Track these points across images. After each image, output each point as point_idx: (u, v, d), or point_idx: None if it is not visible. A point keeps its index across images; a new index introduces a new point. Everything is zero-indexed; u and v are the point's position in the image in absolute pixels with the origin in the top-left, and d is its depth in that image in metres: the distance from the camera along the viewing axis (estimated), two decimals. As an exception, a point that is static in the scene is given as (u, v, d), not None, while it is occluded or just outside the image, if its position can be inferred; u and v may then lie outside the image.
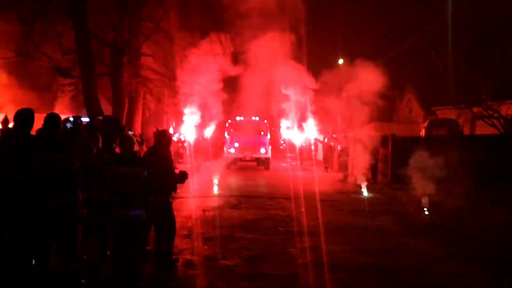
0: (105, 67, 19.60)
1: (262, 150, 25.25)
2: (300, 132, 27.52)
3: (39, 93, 24.84)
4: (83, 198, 5.94)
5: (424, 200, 11.84)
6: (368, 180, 16.38)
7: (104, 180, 6.31)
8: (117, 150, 6.69)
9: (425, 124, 25.03)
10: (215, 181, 16.39)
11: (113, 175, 6.25)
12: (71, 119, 7.76)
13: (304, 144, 28.00)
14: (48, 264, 5.66)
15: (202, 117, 27.09)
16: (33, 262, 5.62)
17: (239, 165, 25.47)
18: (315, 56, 25.56)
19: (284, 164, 28.03)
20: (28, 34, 18.16)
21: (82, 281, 6.00)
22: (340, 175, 19.87)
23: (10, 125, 21.63)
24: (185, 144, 24.54)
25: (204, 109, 26.64)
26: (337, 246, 8.57)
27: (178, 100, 24.55)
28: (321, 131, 26.10)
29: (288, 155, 28.62)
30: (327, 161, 24.69)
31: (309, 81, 22.79)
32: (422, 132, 24.26)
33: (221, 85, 25.54)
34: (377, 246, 8.57)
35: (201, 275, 6.78)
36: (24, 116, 5.53)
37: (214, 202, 13.27)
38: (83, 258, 6.44)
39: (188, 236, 9.03)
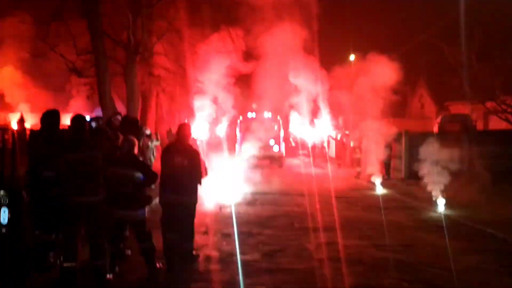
0: (119, 67, 19.82)
1: (275, 148, 24.52)
2: (312, 129, 27.48)
3: (53, 93, 25.19)
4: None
5: (439, 196, 11.88)
6: (381, 176, 16.42)
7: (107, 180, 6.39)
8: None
9: (438, 120, 24.93)
10: (229, 178, 16.47)
11: (111, 175, 6.32)
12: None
13: (316, 141, 27.98)
14: (75, 259, 5.85)
15: (215, 114, 27.23)
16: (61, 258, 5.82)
17: (251, 164, 25.06)
18: (327, 51, 25.48)
19: (297, 161, 28.06)
20: (44, 35, 18.44)
21: (107, 276, 6.19)
22: (353, 172, 19.93)
23: (26, 124, 22.00)
24: (198, 142, 24.67)
25: (216, 106, 26.79)
26: (353, 241, 8.70)
27: (190, 98, 24.78)
28: (335, 127, 26.00)
29: (301, 152, 28.53)
30: (339, 158, 24.65)
31: (322, 75, 22.75)
32: (435, 128, 24.19)
33: (233, 81, 25.66)
34: (393, 241, 8.67)
35: (221, 270, 6.95)
36: (51, 117, 5.73)
37: (230, 199, 13.43)
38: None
39: (206, 232, 9.21)
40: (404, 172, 17.49)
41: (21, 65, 23.29)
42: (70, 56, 18.80)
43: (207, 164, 7.42)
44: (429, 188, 12.31)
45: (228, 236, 8.96)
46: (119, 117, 9.29)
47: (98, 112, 17.22)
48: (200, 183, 7.07)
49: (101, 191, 6.00)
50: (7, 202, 2.44)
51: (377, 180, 15.61)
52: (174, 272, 6.64)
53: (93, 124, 6.46)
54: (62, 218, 5.74)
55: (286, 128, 27.79)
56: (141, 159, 7.36)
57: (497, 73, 21.63)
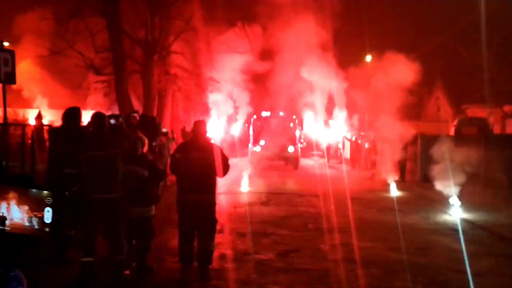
0: (136, 65, 20.01)
1: (290, 149, 23.40)
2: (327, 129, 27.36)
3: (71, 90, 25.48)
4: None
5: (454, 199, 11.82)
6: (396, 178, 16.36)
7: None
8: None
9: (455, 123, 24.79)
10: (244, 178, 16.53)
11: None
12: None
13: (330, 142, 27.90)
14: (94, 255, 5.94)
15: (230, 112, 27.27)
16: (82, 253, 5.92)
17: (265, 164, 23.09)
18: (344, 51, 25.33)
19: (311, 162, 27.98)
20: (63, 33, 18.67)
21: (126, 272, 6.28)
22: (368, 173, 19.87)
23: (44, 120, 22.21)
24: (212, 141, 24.67)
25: (231, 104, 26.83)
26: (368, 243, 8.69)
27: (205, 96, 24.92)
28: (350, 127, 25.88)
29: (315, 152, 28.36)
30: (354, 159, 24.52)
31: (339, 74, 22.64)
32: (452, 131, 24.02)
33: (249, 80, 25.63)
34: (408, 244, 8.63)
35: (236, 268, 7.00)
36: (73, 114, 5.83)
37: (244, 199, 13.50)
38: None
39: (221, 231, 9.22)
40: (419, 174, 17.40)
41: (40, 61, 23.63)
42: (88, 53, 19.03)
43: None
44: (444, 191, 12.25)
45: (243, 235, 9.02)
46: (137, 115, 9.39)
47: (115, 110, 17.39)
48: (221, 175, 6.80)
49: (120, 189, 6.06)
50: (50, 202, 2.53)
51: (392, 182, 15.56)
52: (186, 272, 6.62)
53: (112, 122, 6.51)
54: (82, 214, 5.84)
55: (301, 128, 27.28)
56: (152, 157, 7.33)
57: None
